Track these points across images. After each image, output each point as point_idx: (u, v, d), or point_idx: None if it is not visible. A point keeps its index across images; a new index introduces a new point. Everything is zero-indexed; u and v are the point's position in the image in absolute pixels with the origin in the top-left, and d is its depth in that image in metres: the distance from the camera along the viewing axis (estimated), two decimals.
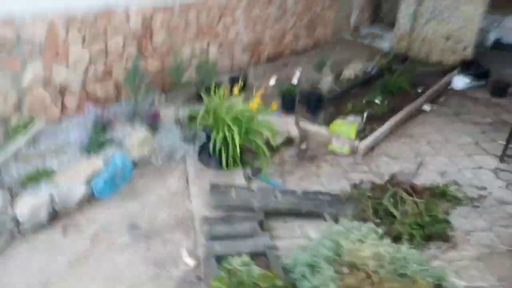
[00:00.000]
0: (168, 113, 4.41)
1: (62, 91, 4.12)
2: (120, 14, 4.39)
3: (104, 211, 3.20)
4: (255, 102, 3.58)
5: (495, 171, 4.15)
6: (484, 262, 2.95)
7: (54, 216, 3.07)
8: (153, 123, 4.11)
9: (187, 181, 3.61)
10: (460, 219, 3.36)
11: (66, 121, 4.11)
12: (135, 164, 3.65)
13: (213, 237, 2.85)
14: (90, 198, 3.27)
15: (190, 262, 2.79)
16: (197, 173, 3.68)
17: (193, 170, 3.72)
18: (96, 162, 3.42)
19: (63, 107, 4.16)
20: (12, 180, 3.21)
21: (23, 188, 3.17)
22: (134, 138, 3.72)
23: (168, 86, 5.02)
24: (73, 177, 3.25)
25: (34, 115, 3.86)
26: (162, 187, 3.52)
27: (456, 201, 3.58)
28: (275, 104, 3.91)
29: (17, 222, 2.92)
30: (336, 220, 3.00)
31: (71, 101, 4.20)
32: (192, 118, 4.13)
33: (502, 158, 4.34)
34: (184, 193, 3.48)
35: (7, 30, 3.54)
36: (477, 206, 3.56)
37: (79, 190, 3.17)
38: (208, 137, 3.67)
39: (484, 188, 3.83)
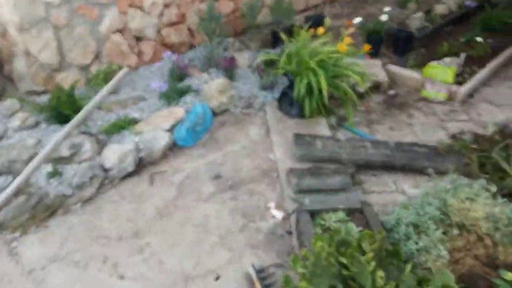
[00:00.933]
0: (244, 58, 4.18)
1: (138, 38, 4.03)
2: None
3: (188, 160, 3.15)
4: (345, 43, 3.20)
5: None
6: None
7: (140, 164, 3.07)
8: (229, 69, 3.92)
9: (268, 130, 3.43)
10: None
11: (143, 69, 4.07)
12: (214, 113, 3.53)
13: (301, 190, 2.69)
14: (173, 147, 3.22)
15: (278, 215, 2.68)
16: (277, 122, 3.48)
17: (273, 119, 3.51)
18: (177, 110, 3.35)
19: (139, 54, 4.09)
20: (97, 128, 3.25)
21: (108, 136, 3.20)
22: (212, 86, 3.57)
23: (241, 29, 4.74)
24: (156, 126, 3.22)
25: (112, 63, 3.84)
26: (243, 136, 3.38)
27: None
28: (368, 46, 3.49)
29: (104, 170, 2.97)
30: (439, 175, 2.67)
31: (147, 48, 4.11)
32: (269, 64, 3.86)
33: None
34: (266, 143, 3.31)
35: None
36: None
37: (162, 139, 3.12)
38: (291, 84, 3.41)
39: None
